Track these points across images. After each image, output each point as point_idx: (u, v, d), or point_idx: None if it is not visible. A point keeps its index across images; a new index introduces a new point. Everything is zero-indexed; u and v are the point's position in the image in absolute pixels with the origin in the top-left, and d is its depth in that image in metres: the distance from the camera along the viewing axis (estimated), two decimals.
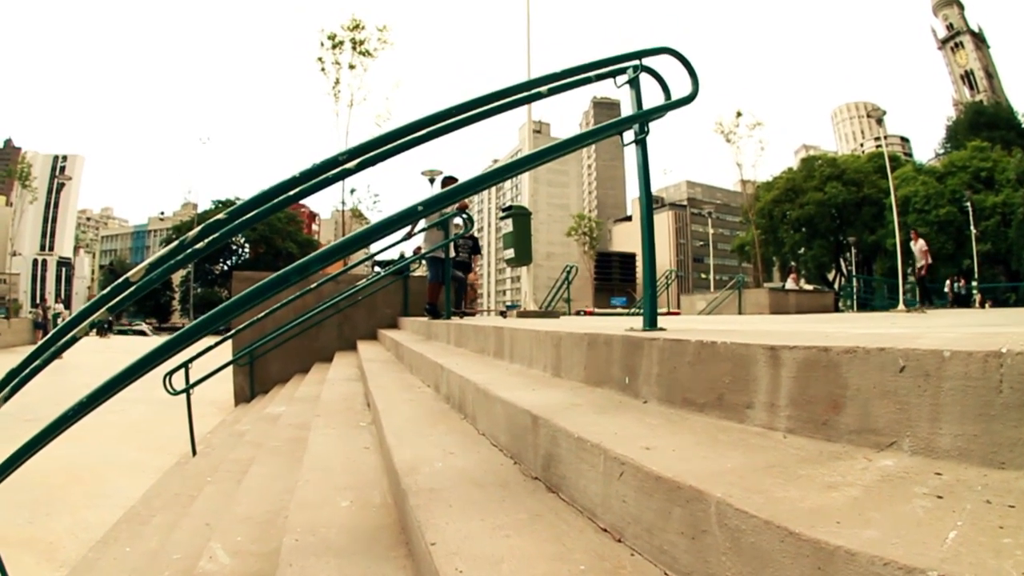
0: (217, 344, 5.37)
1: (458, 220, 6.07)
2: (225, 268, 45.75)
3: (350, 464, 2.12)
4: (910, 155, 62.49)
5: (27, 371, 1.76)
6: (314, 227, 65.10)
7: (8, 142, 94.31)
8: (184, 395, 4.72)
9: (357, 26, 28.22)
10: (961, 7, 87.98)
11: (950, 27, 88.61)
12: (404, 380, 3.50)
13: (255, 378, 6.93)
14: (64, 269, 64.83)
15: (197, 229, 1.67)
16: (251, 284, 1.52)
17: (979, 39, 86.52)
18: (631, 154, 2.25)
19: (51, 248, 73.52)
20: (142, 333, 37.10)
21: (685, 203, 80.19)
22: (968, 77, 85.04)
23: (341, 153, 1.73)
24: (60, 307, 32.33)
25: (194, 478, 3.62)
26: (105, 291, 1.74)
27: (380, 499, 1.78)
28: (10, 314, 26.70)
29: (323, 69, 28.46)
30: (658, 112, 2.13)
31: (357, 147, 1.75)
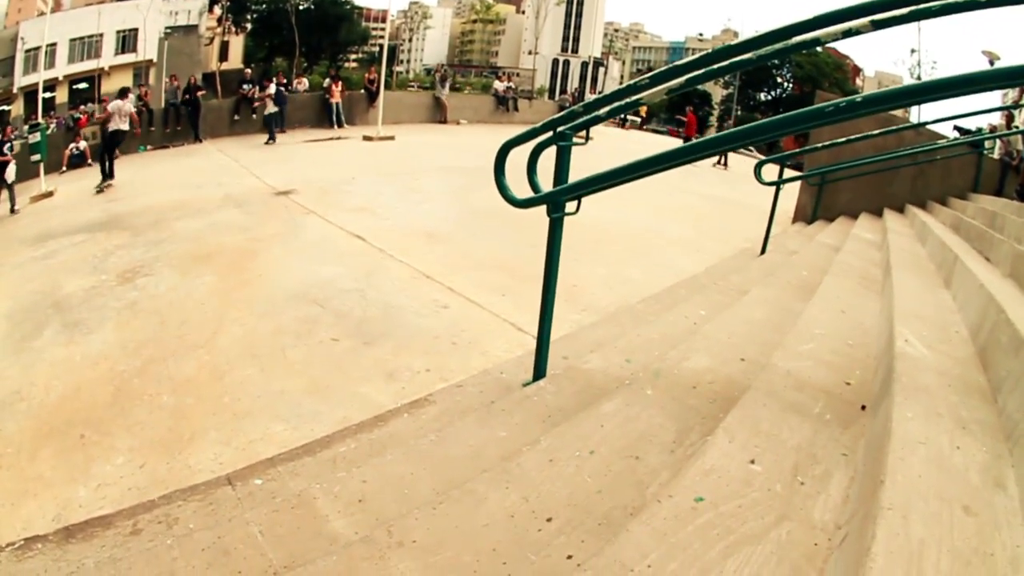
0: (796, 153, 5.86)
1: None
2: (768, 98, 48.04)
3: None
4: None
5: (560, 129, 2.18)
6: (858, 81, 61.53)
7: None
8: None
9: None
10: None
11: None
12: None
13: (821, 202, 6.89)
14: (588, 68, 66.84)
15: (730, 46, 1.91)
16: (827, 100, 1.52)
17: None
18: None
19: (575, 51, 74.11)
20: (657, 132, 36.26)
21: None
22: None
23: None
24: (593, 96, 34.29)
25: (755, 269, 4.25)
26: (634, 82, 2.06)
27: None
28: (533, 98, 32.95)
29: None
30: None
31: None
